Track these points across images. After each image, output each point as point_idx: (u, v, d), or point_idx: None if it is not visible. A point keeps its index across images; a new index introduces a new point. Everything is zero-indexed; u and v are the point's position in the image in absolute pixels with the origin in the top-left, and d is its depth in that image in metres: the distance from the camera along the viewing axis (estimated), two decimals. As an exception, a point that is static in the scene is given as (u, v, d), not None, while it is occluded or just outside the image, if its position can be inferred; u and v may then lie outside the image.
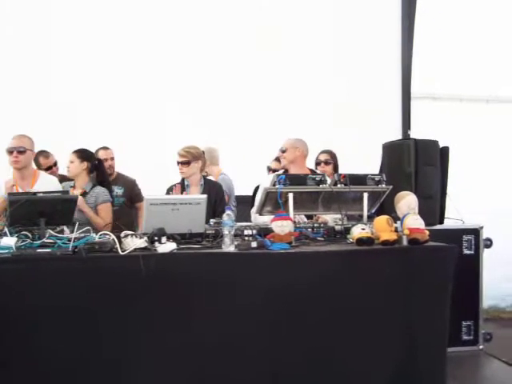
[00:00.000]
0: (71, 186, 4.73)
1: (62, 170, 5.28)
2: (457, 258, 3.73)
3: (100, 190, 4.72)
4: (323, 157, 5.32)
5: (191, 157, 4.76)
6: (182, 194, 4.74)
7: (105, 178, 4.90)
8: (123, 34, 6.60)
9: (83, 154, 4.79)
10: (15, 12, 6.40)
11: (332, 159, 5.35)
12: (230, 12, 6.88)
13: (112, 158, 5.51)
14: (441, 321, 3.65)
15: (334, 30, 7.18)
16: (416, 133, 7.09)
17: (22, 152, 4.28)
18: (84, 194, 4.62)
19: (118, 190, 5.42)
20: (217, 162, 5.85)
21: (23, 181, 4.32)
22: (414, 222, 3.69)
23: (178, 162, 4.78)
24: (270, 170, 5.68)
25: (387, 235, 3.63)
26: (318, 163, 5.31)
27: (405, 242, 3.66)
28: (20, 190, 4.25)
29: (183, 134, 6.13)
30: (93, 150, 5.04)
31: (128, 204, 5.54)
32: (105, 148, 5.51)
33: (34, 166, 4.48)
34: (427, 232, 3.69)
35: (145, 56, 6.64)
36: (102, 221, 4.52)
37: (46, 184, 4.23)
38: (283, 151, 4.84)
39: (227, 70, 6.80)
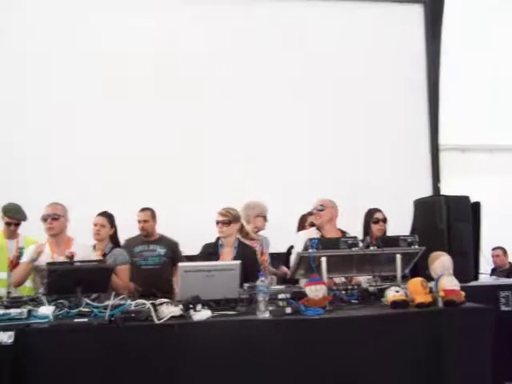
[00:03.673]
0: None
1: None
2: (494, 318, 3.68)
3: (118, 252, 4.87)
4: (381, 215, 5.19)
5: (232, 217, 4.77)
6: (215, 254, 4.74)
7: (117, 240, 5.09)
8: (161, 101, 6.89)
9: (112, 219, 5.02)
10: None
11: None
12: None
13: (146, 221, 5.53)
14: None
15: (359, 82, 7.27)
16: (446, 185, 7.12)
17: (55, 219, 4.39)
18: (103, 256, 4.75)
19: (160, 250, 5.47)
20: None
21: (58, 247, 4.41)
22: (449, 283, 3.66)
23: (218, 222, 4.75)
24: (311, 224, 5.62)
25: (422, 297, 3.61)
26: (375, 221, 5.15)
27: (440, 304, 3.63)
28: (55, 256, 4.34)
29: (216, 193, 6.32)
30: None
31: (170, 265, 5.52)
32: (143, 209, 5.57)
33: (67, 233, 4.59)
34: (463, 293, 3.65)
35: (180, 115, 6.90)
36: (121, 282, 4.65)
37: (79, 251, 4.30)
38: (320, 210, 4.82)
39: (257, 122, 7.02)
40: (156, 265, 5.38)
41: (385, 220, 5.18)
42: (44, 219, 4.42)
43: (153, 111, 6.88)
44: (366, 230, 5.16)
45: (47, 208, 4.44)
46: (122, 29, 6.90)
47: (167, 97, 6.89)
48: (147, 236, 5.51)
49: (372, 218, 5.18)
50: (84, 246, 4.53)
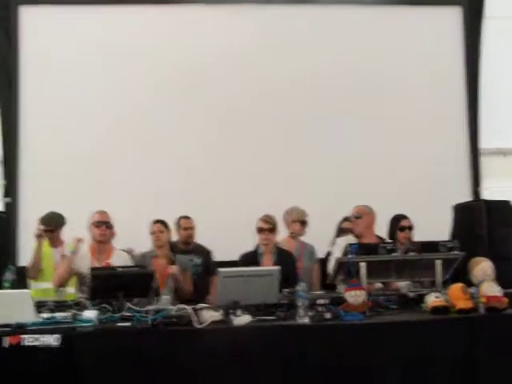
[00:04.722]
0: (153, 256, 4.84)
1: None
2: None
3: (184, 259, 4.93)
4: (407, 223, 5.05)
5: (274, 224, 4.81)
6: (255, 264, 4.71)
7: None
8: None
9: (166, 224, 5.01)
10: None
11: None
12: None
13: (192, 228, 5.52)
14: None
15: (397, 84, 7.20)
16: (487, 190, 7.02)
17: (109, 227, 4.49)
18: (172, 264, 4.78)
19: (196, 260, 5.40)
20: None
21: (100, 254, 4.51)
22: (490, 289, 3.62)
23: (263, 229, 4.76)
24: (342, 230, 5.61)
25: (463, 303, 3.57)
26: (401, 229, 5.02)
27: (482, 311, 3.59)
28: (95, 263, 4.42)
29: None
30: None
31: (204, 275, 5.44)
32: (186, 217, 5.54)
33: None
34: (506, 300, 3.61)
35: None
36: (188, 287, 4.76)
37: (119, 259, 4.43)
38: (357, 217, 4.80)
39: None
40: (193, 275, 5.23)
41: (411, 228, 5.03)
42: (96, 226, 4.51)
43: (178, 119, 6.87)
44: (392, 236, 5.02)
45: (98, 215, 4.53)
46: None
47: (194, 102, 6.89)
48: (189, 244, 5.45)
49: (398, 225, 5.04)
50: (122, 255, 4.60)
